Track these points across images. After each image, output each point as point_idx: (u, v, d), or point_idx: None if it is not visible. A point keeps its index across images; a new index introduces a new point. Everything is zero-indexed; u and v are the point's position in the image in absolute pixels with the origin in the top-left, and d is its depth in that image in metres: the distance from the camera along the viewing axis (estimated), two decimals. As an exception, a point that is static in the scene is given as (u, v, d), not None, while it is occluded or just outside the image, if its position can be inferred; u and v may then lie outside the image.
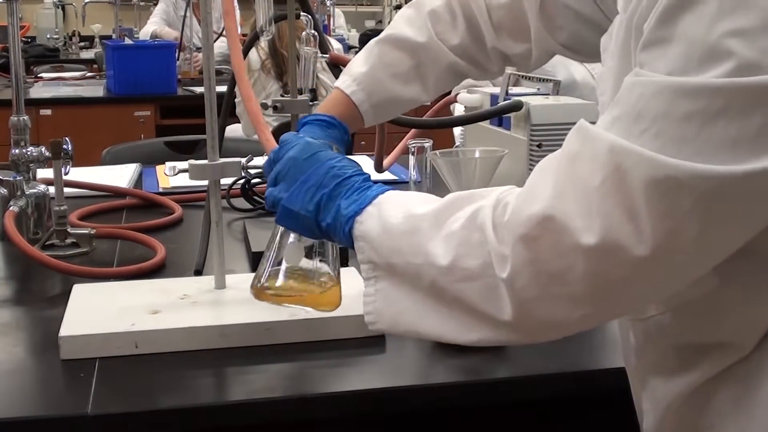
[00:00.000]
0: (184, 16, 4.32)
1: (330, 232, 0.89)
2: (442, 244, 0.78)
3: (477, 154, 1.12)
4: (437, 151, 1.13)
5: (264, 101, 1.32)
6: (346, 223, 0.87)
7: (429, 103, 1.17)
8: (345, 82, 1.13)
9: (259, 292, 1.02)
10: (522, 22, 1.11)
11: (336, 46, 3.51)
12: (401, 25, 1.16)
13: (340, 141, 1.05)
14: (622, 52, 0.77)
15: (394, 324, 0.85)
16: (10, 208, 1.42)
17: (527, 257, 0.72)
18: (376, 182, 0.90)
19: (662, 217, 0.67)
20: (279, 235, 0.99)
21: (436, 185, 1.19)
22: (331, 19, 5.72)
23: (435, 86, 1.17)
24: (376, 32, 6.43)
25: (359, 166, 0.92)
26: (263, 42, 3.34)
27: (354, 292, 1.18)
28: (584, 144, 0.71)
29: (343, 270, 1.29)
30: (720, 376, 0.79)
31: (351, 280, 1.24)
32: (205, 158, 1.18)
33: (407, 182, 1.21)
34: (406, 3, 5.91)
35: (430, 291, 0.80)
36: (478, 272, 0.75)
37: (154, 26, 5.32)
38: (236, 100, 3.42)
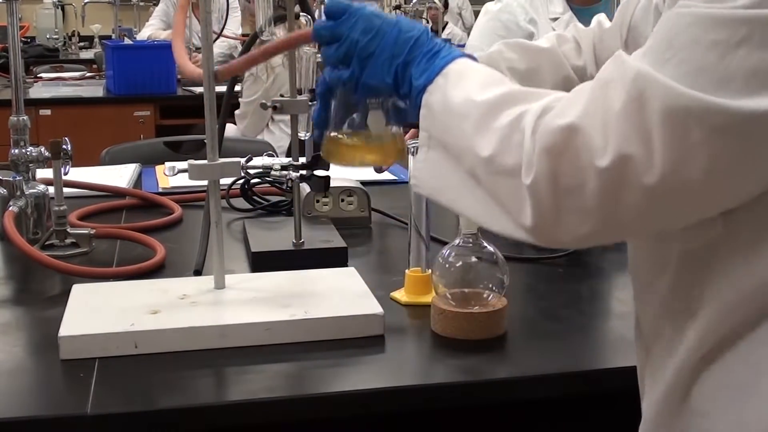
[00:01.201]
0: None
1: (406, 99, 0.92)
2: (486, 137, 0.80)
3: None
4: None
5: (264, 101, 1.32)
6: (418, 95, 0.89)
7: None
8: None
9: (332, 142, 1.03)
10: None
11: None
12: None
13: None
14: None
15: (432, 192, 0.89)
16: (10, 208, 1.42)
17: (548, 168, 0.75)
18: (432, 37, 0.91)
19: (673, 147, 0.70)
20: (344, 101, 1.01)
21: (435, 185, 1.19)
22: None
23: None
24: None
25: (418, 24, 0.94)
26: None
27: (354, 293, 1.19)
28: (615, 70, 0.75)
29: (343, 270, 1.30)
30: (716, 357, 0.79)
31: (351, 280, 1.24)
32: (205, 158, 1.18)
33: (407, 182, 1.20)
34: (405, 3, 5.91)
35: (469, 174, 0.84)
36: (511, 171, 0.78)
37: (150, 30, 5.32)
38: (239, 100, 3.42)
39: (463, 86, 0.85)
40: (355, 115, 1.02)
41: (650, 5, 1.09)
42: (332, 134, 1.04)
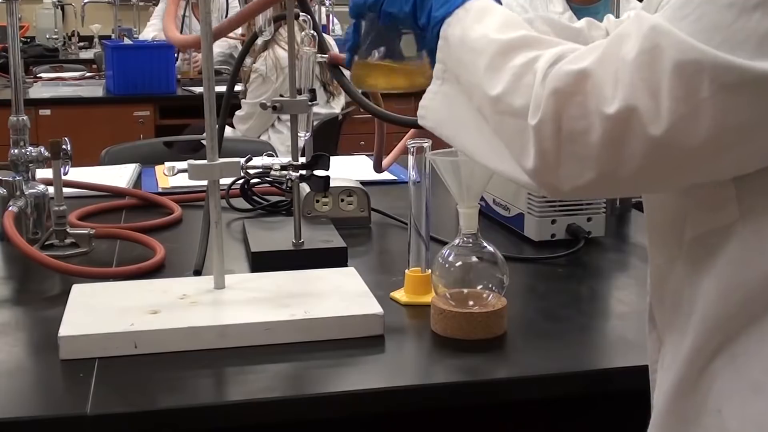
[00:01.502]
0: (184, 15, 4.32)
1: (425, 30, 0.92)
2: (497, 75, 0.81)
3: None
4: (436, 152, 1.13)
5: (263, 101, 1.32)
6: (435, 25, 0.89)
7: None
8: None
9: (362, 66, 1.05)
10: None
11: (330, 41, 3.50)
12: None
13: None
14: None
15: (438, 124, 0.89)
16: (10, 209, 1.42)
17: (555, 110, 0.75)
18: None
19: (681, 100, 0.70)
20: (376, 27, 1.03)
21: (435, 185, 1.19)
22: (330, 19, 5.72)
23: None
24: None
25: None
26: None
27: (354, 293, 1.19)
28: (632, 24, 0.75)
29: (343, 270, 1.30)
30: (728, 350, 0.79)
31: (352, 280, 1.24)
32: (204, 158, 1.18)
33: (406, 182, 1.20)
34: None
35: (478, 112, 0.84)
36: (518, 111, 0.78)
37: (152, 30, 5.32)
38: (243, 101, 3.42)
39: (482, 23, 0.86)
40: (384, 40, 1.04)
41: None
42: (361, 57, 1.05)
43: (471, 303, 1.11)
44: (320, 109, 3.53)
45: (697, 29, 0.70)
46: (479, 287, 1.12)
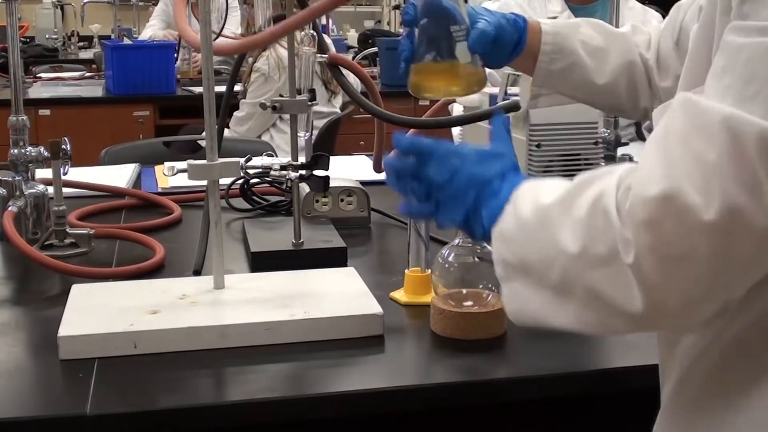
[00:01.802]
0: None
1: (482, 240, 0.92)
2: (570, 232, 0.77)
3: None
4: None
5: (262, 101, 1.32)
6: (489, 230, 0.87)
7: (600, 85, 1.25)
8: (539, 20, 1.23)
9: (419, 74, 1.08)
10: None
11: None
12: None
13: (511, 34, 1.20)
14: (702, 22, 0.80)
15: (533, 319, 0.85)
16: (9, 209, 1.42)
17: (650, 241, 0.71)
18: (506, 173, 0.90)
19: None
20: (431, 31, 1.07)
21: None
22: (330, 19, 5.72)
23: (610, 73, 1.24)
24: (375, 32, 6.43)
25: (502, 155, 0.93)
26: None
27: (354, 293, 1.19)
28: (694, 118, 0.71)
29: (343, 270, 1.30)
30: (739, 344, 0.79)
31: (352, 280, 1.24)
32: (203, 158, 1.18)
33: (406, 182, 1.20)
34: (405, 3, 5.88)
35: (560, 286, 0.79)
36: (608, 258, 0.74)
37: (151, 31, 5.32)
38: (243, 102, 3.41)
39: (530, 200, 0.84)
40: (440, 46, 1.07)
41: (696, 5, 1.11)
42: (419, 65, 1.08)
43: (471, 303, 1.11)
44: (322, 108, 3.53)
45: None
46: (479, 287, 1.12)
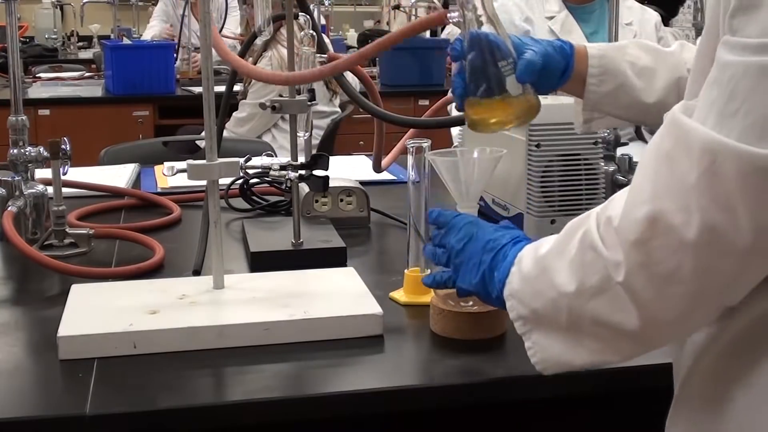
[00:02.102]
0: (183, 15, 4.32)
1: (500, 299, 0.94)
2: (566, 272, 0.83)
3: (475, 155, 1.13)
4: (435, 152, 1.13)
5: (263, 101, 1.32)
6: (501, 291, 0.93)
7: (650, 104, 1.26)
8: (585, 44, 1.25)
9: (476, 112, 1.10)
10: None
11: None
12: None
13: (558, 61, 1.21)
14: (710, 22, 0.81)
15: (558, 365, 0.90)
16: (9, 209, 1.42)
17: (640, 260, 0.75)
18: (518, 241, 0.96)
19: (757, 208, 0.70)
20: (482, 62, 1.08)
21: (434, 185, 1.19)
22: (330, 19, 5.72)
23: (659, 91, 1.25)
24: (375, 32, 6.43)
25: (514, 229, 1.00)
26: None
27: (353, 293, 1.19)
28: (678, 140, 0.74)
29: (342, 270, 1.30)
30: (742, 340, 0.79)
31: (351, 280, 1.24)
32: (203, 158, 1.18)
33: (405, 182, 1.20)
34: (404, 3, 5.90)
35: (570, 326, 0.85)
36: (602, 286, 0.79)
37: (153, 31, 5.32)
38: (243, 102, 3.40)
39: (530, 254, 0.90)
40: (490, 81, 1.09)
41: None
42: (472, 100, 1.10)
43: (470, 303, 1.11)
44: (323, 107, 3.53)
45: (749, 126, 0.70)
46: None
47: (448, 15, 1.08)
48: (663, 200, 0.73)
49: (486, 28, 1.08)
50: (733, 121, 0.71)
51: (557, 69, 1.22)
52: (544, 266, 0.86)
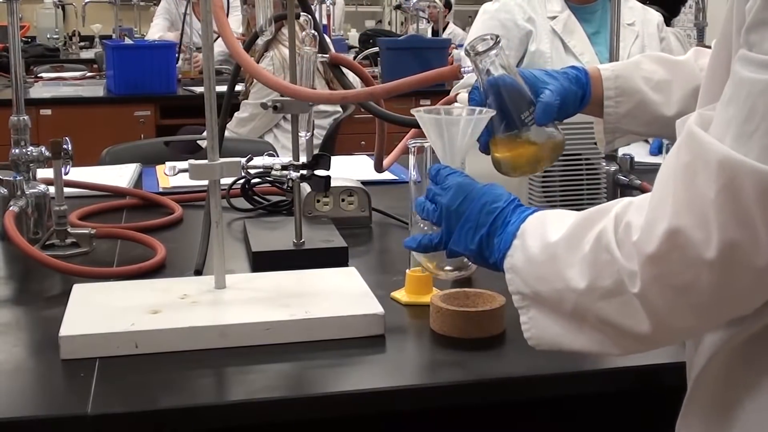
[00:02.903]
0: (185, 13, 4.32)
1: (494, 267, 0.94)
2: (577, 268, 0.82)
3: (463, 113, 1.11)
4: (421, 107, 1.11)
5: (263, 101, 1.32)
6: (501, 260, 0.92)
7: (671, 116, 1.25)
8: (598, 66, 1.25)
9: (498, 148, 1.13)
10: None
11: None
12: None
13: (575, 92, 1.21)
14: (723, 31, 0.81)
15: (552, 345, 0.89)
16: (10, 208, 1.42)
17: (656, 273, 0.75)
18: (517, 205, 0.95)
19: None
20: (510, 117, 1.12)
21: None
22: (331, 19, 5.72)
23: (678, 103, 1.25)
24: (376, 32, 6.42)
25: (509, 193, 0.97)
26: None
27: (354, 292, 1.19)
28: (696, 155, 0.74)
29: (343, 270, 1.30)
30: (753, 344, 0.80)
31: (352, 280, 1.24)
32: (205, 158, 1.18)
33: (407, 182, 1.20)
34: (405, 3, 5.90)
35: (573, 314, 0.85)
36: (613, 290, 0.79)
37: (157, 30, 5.32)
38: (244, 103, 3.40)
39: (537, 237, 0.88)
40: (511, 128, 1.13)
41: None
42: (497, 145, 1.14)
43: (470, 302, 1.11)
44: (325, 107, 3.53)
45: (766, 146, 0.70)
46: (478, 286, 1.12)
47: (462, 69, 1.09)
48: (682, 216, 0.73)
49: (501, 78, 1.12)
50: (752, 141, 0.71)
51: (575, 100, 1.23)
52: (552, 254, 0.85)
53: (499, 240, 0.92)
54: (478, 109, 1.10)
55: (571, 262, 0.83)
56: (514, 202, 0.95)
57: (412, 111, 1.10)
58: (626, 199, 0.82)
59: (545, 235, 0.87)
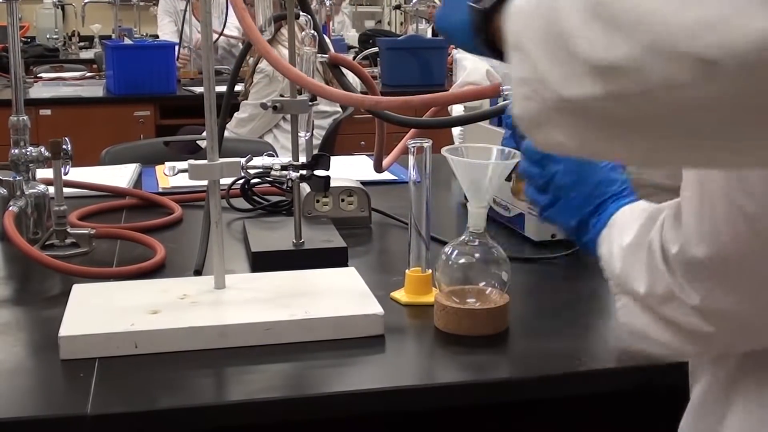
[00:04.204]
0: (185, 12, 4.32)
1: (587, 245, 0.96)
2: (638, 273, 0.83)
3: (493, 158, 1.10)
4: (449, 147, 1.11)
5: (263, 101, 1.32)
6: (592, 241, 0.94)
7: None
8: None
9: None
10: None
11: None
12: None
13: None
14: None
15: (641, 334, 0.88)
16: (10, 208, 1.42)
17: (704, 295, 0.75)
18: (627, 189, 0.95)
19: None
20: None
21: (435, 185, 1.19)
22: (332, 20, 5.72)
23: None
24: (375, 32, 6.42)
25: (623, 175, 0.97)
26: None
27: (354, 293, 1.19)
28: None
29: (342, 270, 1.30)
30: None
31: (352, 280, 1.24)
32: (205, 158, 1.18)
33: (407, 182, 1.20)
34: (405, 3, 5.90)
35: (652, 311, 0.84)
36: (668, 296, 0.79)
37: (167, 28, 5.32)
38: (244, 103, 3.40)
39: (616, 236, 0.89)
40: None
41: None
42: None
43: (474, 299, 1.11)
44: (325, 107, 3.52)
45: None
46: (482, 285, 1.12)
47: (503, 88, 1.09)
48: (721, 237, 0.72)
49: None
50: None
51: None
52: (621, 256, 0.86)
53: (594, 221, 0.94)
54: (506, 150, 1.10)
55: (632, 266, 0.84)
56: (620, 189, 0.95)
57: (444, 152, 1.10)
58: (672, 203, 0.81)
59: (622, 236, 0.87)
